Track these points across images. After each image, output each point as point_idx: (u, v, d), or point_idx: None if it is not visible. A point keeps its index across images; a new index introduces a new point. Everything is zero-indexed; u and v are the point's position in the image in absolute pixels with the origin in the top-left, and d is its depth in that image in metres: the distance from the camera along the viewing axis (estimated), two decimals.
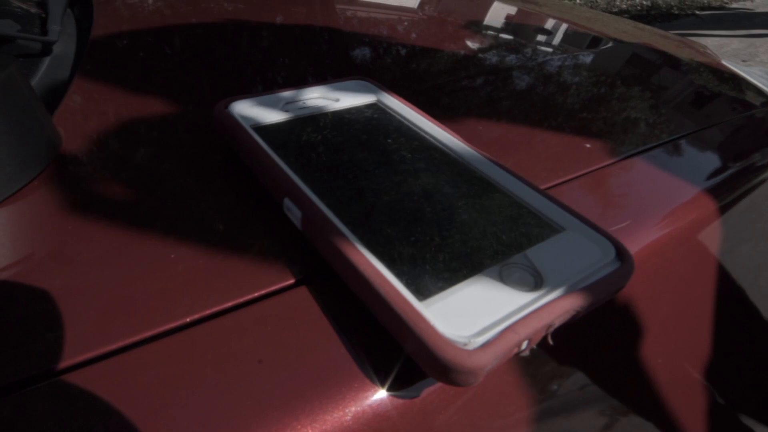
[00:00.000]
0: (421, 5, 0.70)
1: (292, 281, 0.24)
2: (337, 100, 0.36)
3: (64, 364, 0.19)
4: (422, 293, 0.21)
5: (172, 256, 0.25)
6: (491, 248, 0.24)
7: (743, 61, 2.88)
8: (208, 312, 0.22)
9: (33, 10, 0.54)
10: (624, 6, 3.71)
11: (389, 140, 0.32)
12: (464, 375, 0.18)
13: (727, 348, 0.40)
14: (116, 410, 0.18)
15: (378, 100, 0.37)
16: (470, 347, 0.19)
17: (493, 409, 0.23)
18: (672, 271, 0.34)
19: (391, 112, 0.36)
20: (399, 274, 0.22)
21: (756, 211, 0.44)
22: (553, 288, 0.22)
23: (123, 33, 0.49)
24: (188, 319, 0.22)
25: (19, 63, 0.28)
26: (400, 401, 0.21)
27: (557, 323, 0.21)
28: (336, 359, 0.21)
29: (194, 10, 0.57)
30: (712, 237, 0.38)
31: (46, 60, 0.45)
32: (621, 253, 0.24)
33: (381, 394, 0.21)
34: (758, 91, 0.62)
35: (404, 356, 0.21)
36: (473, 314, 0.20)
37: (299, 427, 0.19)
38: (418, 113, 0.35)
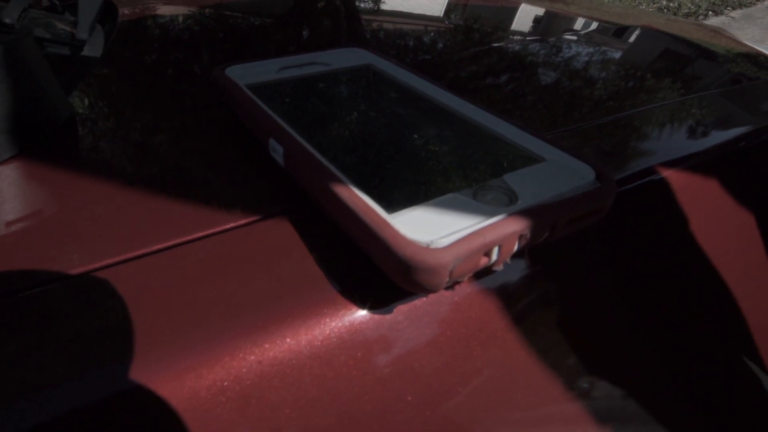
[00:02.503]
0: None
1: (276, 211, 0.25)
2: (330, 64, 0.37)
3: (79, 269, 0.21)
4: (393, 208, 0.21)
5: (168, 190, 0.26)
6: (467, 174, 0.24)
7: None
8: (199, 234, 0.23)
9: (65, 29, 0.58)
10: (650, 9, 3.65)
11: (376, 94, 0.33)
12: (426, 274, 0.18)
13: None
14: (116, 311, 0.19)
15: (371, 64, 0.38)
16: (432, 246, 0.19)
17: (470, 329, 0.23)
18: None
19: (382, 72, 0.36)
20: (371, 194, 0.22)
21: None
22: (526, 203, 0.22)
23: (140, 33, 0.52)
24: (182, 239, 0.23)
25: (32, 36, 0.30)
26: (376, 317, 0.21)
27: (529, 235, 0.21)
28: (315, 281, 0.22)
29: (205, 20, 0.59)
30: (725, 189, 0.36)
31: (75, 59, 0.49)
32: (601, 175, 0.24)
33: (357, 311, 0.21)
34: None
35: (378, 273, 0.21)
36: (441, 223, 0.20)
37: (280, 342, 0.19)
38: (409, 70, 0.36)
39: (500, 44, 0.52)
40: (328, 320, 0.21)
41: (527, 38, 0.55)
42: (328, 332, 0.20)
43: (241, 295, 0.21)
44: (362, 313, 0.21)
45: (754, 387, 0.38)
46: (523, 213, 0.21)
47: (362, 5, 0.63)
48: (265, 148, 0.28)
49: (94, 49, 0.53)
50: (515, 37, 0.55)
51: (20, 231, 0.23)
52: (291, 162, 0.25)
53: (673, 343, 0.33)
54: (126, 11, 0.57)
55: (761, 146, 0.38)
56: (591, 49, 0.52)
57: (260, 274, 0.22)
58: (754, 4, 3.85)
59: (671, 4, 3.78)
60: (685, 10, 3.65)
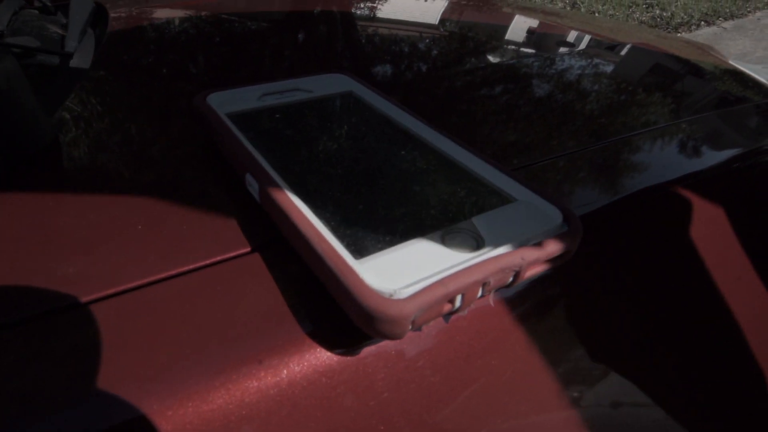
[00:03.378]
0: (416, 8, 0.72)
1: (248, 249, 0.25)
2: (311, 91, 0.37)
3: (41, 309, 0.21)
4: (360, 253, 0.22)
5: (139, 227, 0.26)
6: (437, 215, 0.25)
7: None
8: (172, 272, 0.24)
9: (57, 31, 0.58)
10: (643, 18, 3.68)
11: (355, 124, 0.33)
12: (387, 324, 0.19)
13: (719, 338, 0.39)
14: (83, 355, 0.19)
15: (352, 91, 0.38)
16: (395, 297, 0.19)
17: (435, 369, 0.24)
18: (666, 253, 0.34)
19: (362, 100, 0.37)
20: (341, 237, 0.23)
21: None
22: (492, 248, 0.22)
23: (127, 47, 0.52)
24: (154, 278, 0.23)
25: (13, 58, 0.30)
26: (342, 360, 0.21)
27: (493, 282, 0.21)
28: (282, 320, 0.22)
29: (193, 21, 0.60)
30: (701, 220, 0.37)
31: (64, 70, 0.49)
32: (568, 218, 0.24)
33: (324, 353, 0.21)
34: (760, 86, 0.61)
35: (344, 317, 0.22)
36: (406, 271, 0.21)
37: (245, 383, 0.20)
38: (389, 100, 0.36)
39: (482, 66, 0.52)
40: (295, 361, 0.21)
41: (512, 60, 0.55)
42: (295, 373, 0.21)
43: (208, 337, 0.21)
44: (332, 354, 0.21)
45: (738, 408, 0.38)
46: (488, 261, 0.21)
47: (348, 26, 0.63)
48: (242, 181, 0.29)
49: (84, 56, 0.53)
50: (498, 59, 0.55)
51: None
52: (265, 199, 0.26)
53: (652, 365, 0.33)
54: (118, 16, 0.57)
55: (735, 175, 0.39)
56: (575, 72, 0.53)
57: (227, 314, 0.22)
58: (746, 15, 3.90)
59: (664, 14, 3.82)
60: (678, 20, 3.69)
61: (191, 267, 0.24)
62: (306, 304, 0.23)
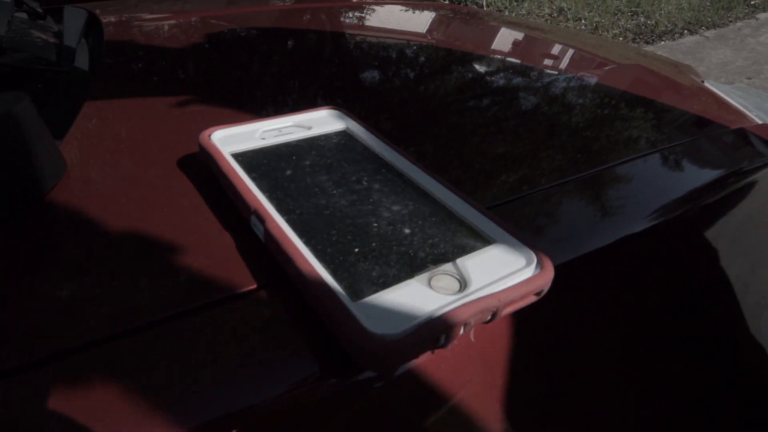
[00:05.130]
0: (404, 32, 0.75)
1: (254, 287, 0.28)
2: (310, 128, 0.40)
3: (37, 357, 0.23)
4: (357, 295, 0.25)
5: (150, 263, 0.29)
6: (425, 258, 0.28)
7: (748, 78, 2.90)
8: (182, 309, 0.26)
9: (48, 39, 0.60)
10: (628, 26, 3.77)
11: (350, 164, 0.36)
12: (381, 362, 0.22)
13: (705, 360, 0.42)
14: (81, 399, 0.22)
15: (347, 128, 0.41)
16: (387, 339, 0.22)
17: (426, 400, 0.27)
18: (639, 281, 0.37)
19: (356, 138, 0.40)
20: (339, 279, 0.26)
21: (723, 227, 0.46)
22: (473, 291, 0.25)
23: (126, 66, 0.54)
24: (158, 318, 0.26)
25: (28, 99, 0.33)
26: (339, 389, 0.24)
27: (473, 321, 0.24)
28: (285, 355, 0.25)
29: (190, 41, 0.62)
30: (672, 251, 0.40)
31: (61, 88, 0.51)
32: (541, 261, 0.28)
33: (322, 382, 0.24)
34: (735, 111, 0.65)
35: (342, 351, 0.25)
36: (398, 312, 0.24)
37: (248, 416, 0.23)
38: (381, 139, 0.39)
39: (465, 97, 0.55)
40: (300, 396, 0.24)
41: (494, 85, 0.59)
42: (300, 408, 0.24)
43: (212, 373, 0.24)
44: (329, 385, 0.24)
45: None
46: (469, 304, 0.24)
47: (341, 57, 0.66)
48: (246, 222, 0.31)
49: (79, 72, 0.55)
50: (474, 90, 0.59)
51: None
52: (270, 242, 0.28)
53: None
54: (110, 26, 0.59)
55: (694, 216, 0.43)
56: (560, 99, 0.56)
57: (231, 352, 0.25)
58: (727, 25, 4.00)
59: (649, 22, 3.90)
60: (662, 28, 3.77)
61: (197, 305, 0.27)
62: (309, 339, 0.26)
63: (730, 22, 4.10)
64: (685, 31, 3.81)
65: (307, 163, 0.36)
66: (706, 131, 0.54)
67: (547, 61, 0.71)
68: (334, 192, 0.33)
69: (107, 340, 0.24)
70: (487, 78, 0.63)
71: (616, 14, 3.95)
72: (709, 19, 4.05)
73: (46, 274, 0.28)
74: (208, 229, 0.32)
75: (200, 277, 0.28)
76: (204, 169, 0.38)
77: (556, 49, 0.77)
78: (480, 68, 0.65)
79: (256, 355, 0.24)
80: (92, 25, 0.67)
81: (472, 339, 0.25)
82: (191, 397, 0.22)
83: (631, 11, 4.06)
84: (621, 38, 3.61)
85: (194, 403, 0.22)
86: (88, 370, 0.23)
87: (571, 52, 0.75)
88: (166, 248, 0.30)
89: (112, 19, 0.69)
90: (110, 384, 0.22)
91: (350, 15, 0.83)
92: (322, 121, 0.41)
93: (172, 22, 0.69)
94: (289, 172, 0.35)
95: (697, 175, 0.47)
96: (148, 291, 0.27)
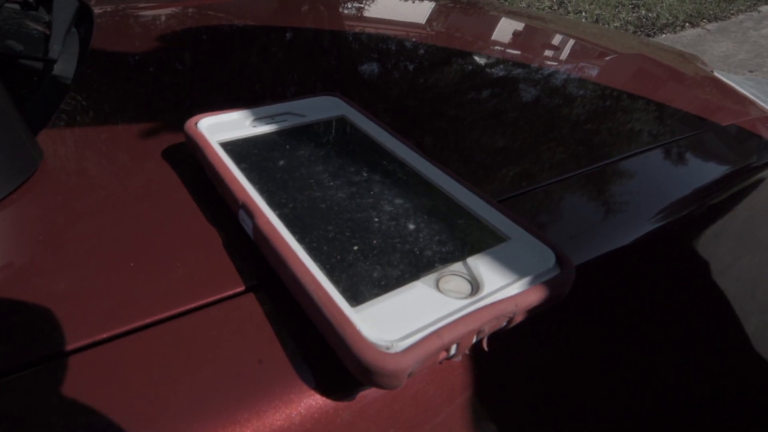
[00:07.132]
0: (405, 21, 0.72)
1: (242, 288, 0.25)
2: (305, 115, 0.37)
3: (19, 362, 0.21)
4: (356, 299, 0.22)
5: (132, 264, 0.26)
6: (432, 257, 0.25)
7: (750, 71, 2.86)
8: (164, 315, 0.23)
9: (39, 29, 0.57)
10: (629, 18, 3.72)
11: (348, 153, 0.33)
12: (385, 378, 0.19)
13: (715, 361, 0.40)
14: (77, 403, 0.19)
15: (345, 115, 0.38)
16: (392, 351, 0.19)
17: (428, 413, 0.24)
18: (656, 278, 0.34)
19: (355, 126, 0.37)
20: (337, 282, 0.23)
21: (736, 223, 0.44)
22: (487, 295, 0.23)
23: (115, 54, 0.51)
24: (146, 321, 0.23)
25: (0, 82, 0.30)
26: (335, 404, 0.22)
27: (487, 329, 0.22)
28: (276, 363, 0.22)
29: (182, 31, 0.59)
30: (684, 245, 0.38)
31: (47, 77, 0.48)
32: (561, 261, 0.25)
33: (317, 397, 0.21)
34: (747, 101, 0.63)
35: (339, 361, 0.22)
36: (402, 320, 0.21)
37: (237, 427, 0.20)
38: (382, 127, 0.36)
39: (466, 87, 0.52)
40: (288, 408, 0.21)
41: (495, 74, 0.56)
42: (287, 420, 0.21)
43: (200, 380, 0.21)
44: (326, 400, 0.21)
45: None
46: (482, 309, 0.21)
47: (339, 44, 0.63)
48: (235, 215, 0.28)
49: (68, 61, 0.52)
50: (475, 80, 0.56)
51: None
52: (259, 238, 0.25)
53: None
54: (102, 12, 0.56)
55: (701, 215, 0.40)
56: (564, 89, 0.53)
57: (216, 359, 0.22)
58: (729, 17, 3.96)
59: (650, 14, 3.86)
60: (663, 21, 3.73)
61: (181, 310, 0.24)
62: (302, 347, 0.23)
63: (732, 14, 4.06)
64: (687, 24, 3.77)
65: (302, 152, 0.33)
66: (723, 122, 0.51)
67: (563, 52, 0.68)
68: (331, 184, 0.30)
69: (69, 354, 0.22)
70: (490, 68, 0.59)
71: (617, 7, 3.91)
72: (711, 12, 4.01)
73: (10, 276, 0.25)
74: (193, 226, 0.29)
75: (180, 280, 0.25)
76: (191, 159, 0.35)
77: (571, 42, 0.74)
78: (482, 59, 0.62)
79: (236, 369, 0.22)
80: (83, 14, 0.64)
81: (485, 348, 0.22)
82: (165, 411, 0.20)
83: (632, 4, 4.02)
84: (622, 31, 3.57)
85: (169, 416, 0.19)
86: (58, 380, 0.20)
87: (584, 44, 0.72)
88: (144, 247, 0.27)
89: (105, 8, 0.66)
90: (76, 394, 0.20)
91: (348, 3, 0.79)
92: (318, 108, 0.38)
93: (167, 10, 0.66)
94: (281, 163, 0.32)
95: (714, 167, 0.44)
96: (122, 295, 0.24)
